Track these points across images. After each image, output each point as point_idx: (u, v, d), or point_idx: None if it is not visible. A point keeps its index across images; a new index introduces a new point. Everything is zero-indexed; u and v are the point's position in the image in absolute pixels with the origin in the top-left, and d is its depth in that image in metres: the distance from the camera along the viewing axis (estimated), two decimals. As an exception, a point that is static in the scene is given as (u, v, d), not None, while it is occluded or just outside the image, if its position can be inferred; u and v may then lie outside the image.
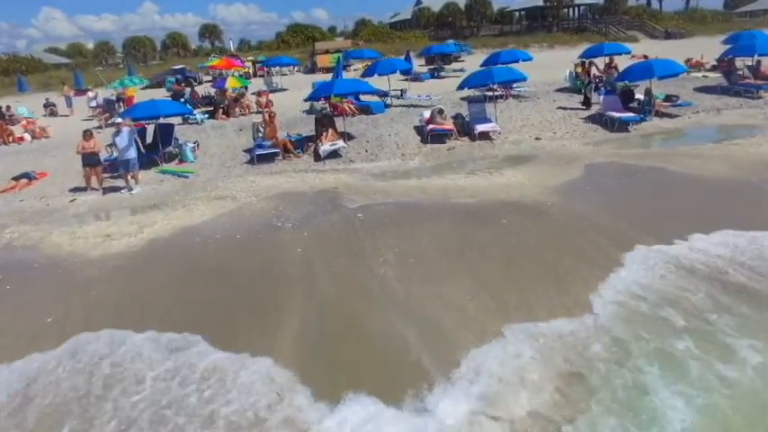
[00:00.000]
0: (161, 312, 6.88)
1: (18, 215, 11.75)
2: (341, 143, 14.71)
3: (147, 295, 7.48)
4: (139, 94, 24.78)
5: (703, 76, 22.23)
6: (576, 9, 59.21)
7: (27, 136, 19.10)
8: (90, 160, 12.84)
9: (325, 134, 14.89)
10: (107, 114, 20.34)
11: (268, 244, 8.92)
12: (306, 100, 16.84)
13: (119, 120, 13.53)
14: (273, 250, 8.62)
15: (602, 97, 17.10)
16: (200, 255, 8.73)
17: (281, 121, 16.60)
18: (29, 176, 14.19)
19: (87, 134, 12.89)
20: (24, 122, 20.66)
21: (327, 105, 18.25)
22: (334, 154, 14.52)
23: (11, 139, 18.68)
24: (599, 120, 16.55)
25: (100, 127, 19.22)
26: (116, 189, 13.13)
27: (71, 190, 13.38)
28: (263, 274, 7.84)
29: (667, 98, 17.86)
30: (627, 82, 17.30)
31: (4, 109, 22.11)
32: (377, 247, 8.34)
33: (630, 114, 16.19)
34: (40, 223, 11.00)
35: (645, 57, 26.10)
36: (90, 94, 24.66)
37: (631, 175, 11.65)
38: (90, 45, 69.55)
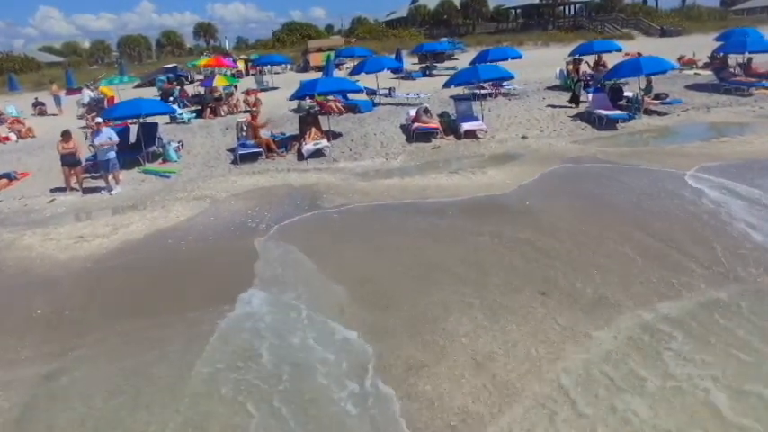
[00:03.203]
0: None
1: (-5, 216, 11.63)
2: (324, 142, 14.57)
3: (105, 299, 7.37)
4: (130, 93, 24.63)
5: (695, 73, 22.05)
6: (572, 7, 59.01)
7: (12, 135, 18.95)
8: (68, 160, 12.69)
9: (308, 133, 14.76)
10: (94, 113, 20.16)
11: (237, 246, 8.76)
12: (290, 99, 16.69)
13: (99, 120, 13.36)
14: (241, 253, 8.45)
15: (590, 95, 16.96)
16: (169, 257, 8.61)
17: (270, 119, 16.48)
18: (9, 177, 14.04)
19: (66, 135, 12.72)
20: (10, 122, 20.50)
21: (315, 104, 18.14)
22: (317, 153, 14.38)
23: (-5, 139, 18.54)
24: (587, 118, 16.41)
25: (88, 127, 19.02)
26: (96, 190, 13.00)
27: (52, 190, 13.25)
28: (226, 278, 7.69)
29: (657, 96, 17.72)
30: (616, 79, 17.16)
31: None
32: (342, 254, 8.24)
33: (618, 112, 16.07)
34: (17, 224, 10.88)
35: (639, 54, 25.88)
36: (87, 91, 24.42)
37: (609, 173, 11.52)
38: (86, 44, 69.34)
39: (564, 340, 5.61)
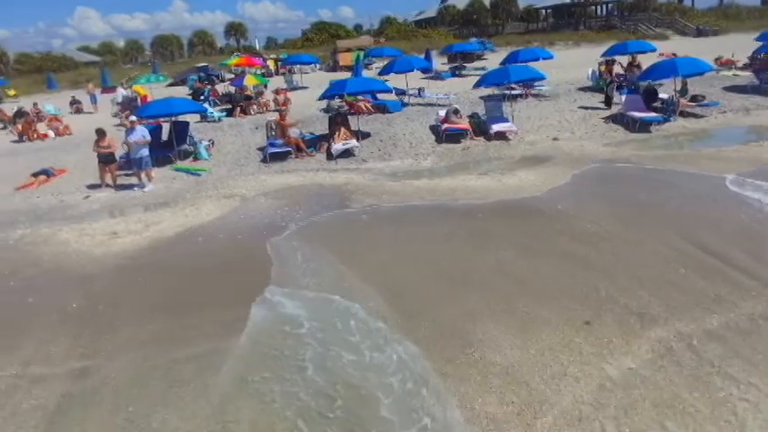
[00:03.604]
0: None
1: (33, 211, 11.93)
2: (353, 142, 14.58)
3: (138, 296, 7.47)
4: (162, 92, 25.09)
5: (734, 74, 21.39)
6: (605, 6, 57.96)
7: (51, 133, 19.47)
8: (104, 158, 12.98)
9: (337, 133, 14.78)
10: (127, 112, 20.57)
11: (267, 245, 8.74)
12: (319, 98, 16.76)
13: (133, 118, 13.62)
14: (271, 252, 8.44)
15: (623, 96, 16.59)
16: (200, 255, 8.71)
17: (300, 119, 16.58)
18: (47, 173, 14.42)
19: (101, 133, 12.98)
20: (48, 119, 21.06)
21: (344, 103, 18.18)
22: (346, 153, 14.40)
23: (35, 136, 19.07)
24: (620, 120, 16.08)
25: (122, 125, 19.41)
26: (129, 187, 13.25)
27: (87, 187, 13.56)
28: (256, 277, 7.68)
29: (693, 98, 17.24)
30: (650, 81, 16.75)
31: (31, 106, 22.68)
32: (371, 256, 8.17)
33: (653, 114, 15.68)
34: (54, 220, 11.15)
35: (674, 55, 25.27)
36: (121, 89, 24.94)
37: (644, 177, 11.23)
38: (121, 43, 70.92)
39: (605, 362, 5.21)
